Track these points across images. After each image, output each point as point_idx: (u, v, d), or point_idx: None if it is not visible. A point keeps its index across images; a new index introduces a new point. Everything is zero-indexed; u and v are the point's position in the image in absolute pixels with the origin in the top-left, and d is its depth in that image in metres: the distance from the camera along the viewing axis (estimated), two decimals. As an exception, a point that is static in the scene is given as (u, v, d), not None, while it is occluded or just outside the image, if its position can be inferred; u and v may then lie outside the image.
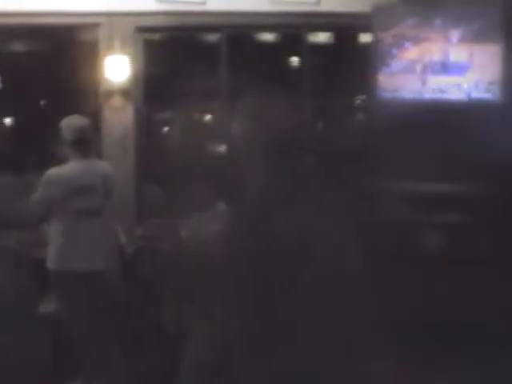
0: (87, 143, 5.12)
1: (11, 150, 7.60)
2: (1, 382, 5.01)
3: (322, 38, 7.18)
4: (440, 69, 6.03)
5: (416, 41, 6.00)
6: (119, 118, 6.46)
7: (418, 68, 6.05)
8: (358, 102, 7.22)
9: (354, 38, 7.04)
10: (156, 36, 7.14)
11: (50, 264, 5.01)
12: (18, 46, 7.41)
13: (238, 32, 6.85)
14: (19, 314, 5.43)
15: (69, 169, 5.08)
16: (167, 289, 5.29)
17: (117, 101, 6.48)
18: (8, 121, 8.18)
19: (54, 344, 5.30)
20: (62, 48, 7.32)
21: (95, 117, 6.23)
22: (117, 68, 6.59)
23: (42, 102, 7.46)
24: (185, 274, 4.98)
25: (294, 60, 7.39)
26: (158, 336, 5.22)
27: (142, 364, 5.24)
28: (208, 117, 7.28)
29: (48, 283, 5.17)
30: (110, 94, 6.57)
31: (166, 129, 7.38)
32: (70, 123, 5.21)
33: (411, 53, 6.06)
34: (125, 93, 6.48)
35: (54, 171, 5.08)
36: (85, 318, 5.02)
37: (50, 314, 5.25)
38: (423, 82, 6.05)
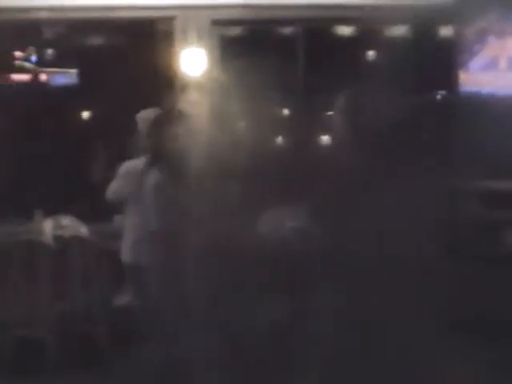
0: (163, 136, 5.11)
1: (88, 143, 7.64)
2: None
3: (400, 31, 7.04)
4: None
5: (500, 35, 5.83)
6: (195, 112, 6.42)
7: (502, 63, 5.87)
8: (439, 98, 7.06)
9: (434, 31, 6.88)
10: (232, 29, 7.09)
11: (125, 257, 5.01)
12: (96, 40, 7.45)
13: (315, 25, 6.77)
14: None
15: (142, 162, 5.07)
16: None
17: (192, 94, 6.45)
18: (86, 114, 8.26)
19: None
20: (138, 42, 7.34)
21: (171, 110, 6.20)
22: (192, 61, 6.56)
23: (118, 96, 7.48)
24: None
25: (372, 54, 7.26)
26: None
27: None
28: (284, 111, 7.21)
29: (123, 276, 5.19)
30: (185, 87, 6.54)
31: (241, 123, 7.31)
32: (146, 116, 5.23)
33: (494, 48, 5.89)
34: (200, 86, 6.44)
35: (129, 164, 5.09)
36: (159, 310, 5.02)
37: (125, 307, 5.29)
38: (506, 78, 5.88)
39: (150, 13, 6.68)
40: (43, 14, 6.56)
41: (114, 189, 5.08)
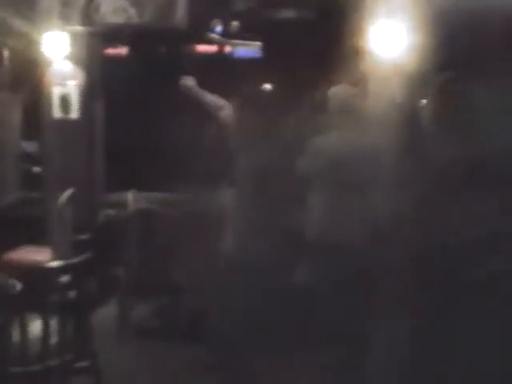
0: (354, 114, 5.03)
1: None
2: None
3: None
4: None
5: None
6: (385, 91, 6.24)
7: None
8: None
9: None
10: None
11: (310, 234, 4.97)
12: (286, 14, 7.41)
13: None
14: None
15: (334, 138, 5.00)
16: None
17: (383, 72, 6.25)
18: (267, 87, 8.26)
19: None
20: (326, 15, 7.24)
21: (360, 87, 6.07)
22: (383, 38, 6.34)
23: (304, 70, 7.42)
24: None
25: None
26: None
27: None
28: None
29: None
30: (376, 64, 6.36)
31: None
32: (339, 93, 5.14)
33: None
34: (393, 64, 6.22)
35: (319, 140, 5.02)
36: (338, 290, 4.94)
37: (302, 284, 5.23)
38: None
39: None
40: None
41: (303, 164, 5.03)
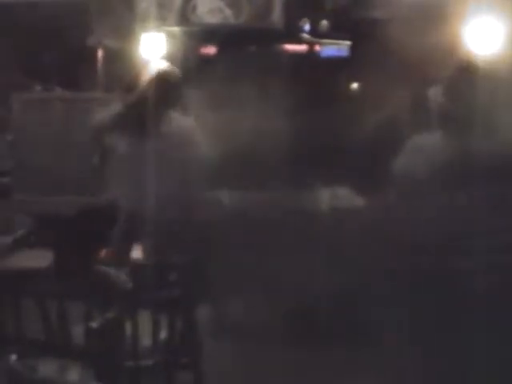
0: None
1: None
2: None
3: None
4: None
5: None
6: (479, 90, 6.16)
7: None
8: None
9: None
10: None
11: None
12: (377, 14, 7.40)
13: None
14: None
15: (432, 138, 4.98)
16: None
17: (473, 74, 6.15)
18: (355, 86, 8.27)
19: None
20: (418, 16, 7.20)
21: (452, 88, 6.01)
22: (479, 37, 6.25)
23: (394, 69, 7.40)
24: None
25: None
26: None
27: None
28: None
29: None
30: (469, 64, 6.27)
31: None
32: (437, 93, 5.12)
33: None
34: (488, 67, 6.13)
35: (419, 138, 5.01)
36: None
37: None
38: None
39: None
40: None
41: (402, 163, 5.02)
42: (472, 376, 3.79)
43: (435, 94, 5.20)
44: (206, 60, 6.91)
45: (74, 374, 3.25)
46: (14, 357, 2.40)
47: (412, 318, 4.33)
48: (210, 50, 7.10)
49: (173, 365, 3.78)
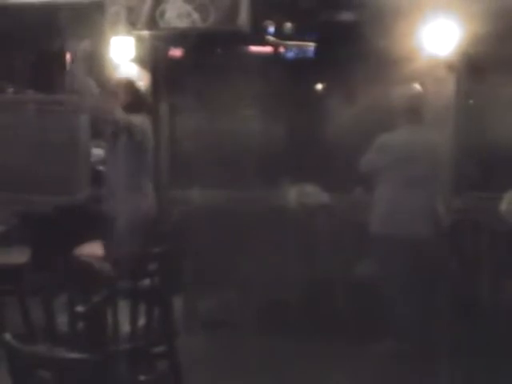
0: (420, 112, 5.20)
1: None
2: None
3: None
4: None
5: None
6: (440, 90, 6.36)
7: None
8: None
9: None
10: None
11: (374, 227, 5.14)
12: (344, 16, 7.52)
13: None
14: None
15: (399, 136, 5.16)
16: (486, 262, 5.25)
17: (438, 72, 6.36)
18: (319, 87, 8.42)
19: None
20: (376, 17, 7.34)
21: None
22: (438, 38, 6.42)
23: (358, 71, 7.56)
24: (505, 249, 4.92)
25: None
26: (472, 308, 5.18)
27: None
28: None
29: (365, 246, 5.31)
30: (431, 64, 6.47)
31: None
32: (405, 92, 5.30)
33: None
34: (448, 64, 6.34)
35: (385, 137, 5.20)
36: (402, 281, 5.11)
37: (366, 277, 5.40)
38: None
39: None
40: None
41: (368, 160, 5.20)
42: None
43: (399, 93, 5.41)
44: (175, 62, 7.05)
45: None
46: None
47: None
48: (179, 52, 7.25)
49: (150, 350, 3.91)
